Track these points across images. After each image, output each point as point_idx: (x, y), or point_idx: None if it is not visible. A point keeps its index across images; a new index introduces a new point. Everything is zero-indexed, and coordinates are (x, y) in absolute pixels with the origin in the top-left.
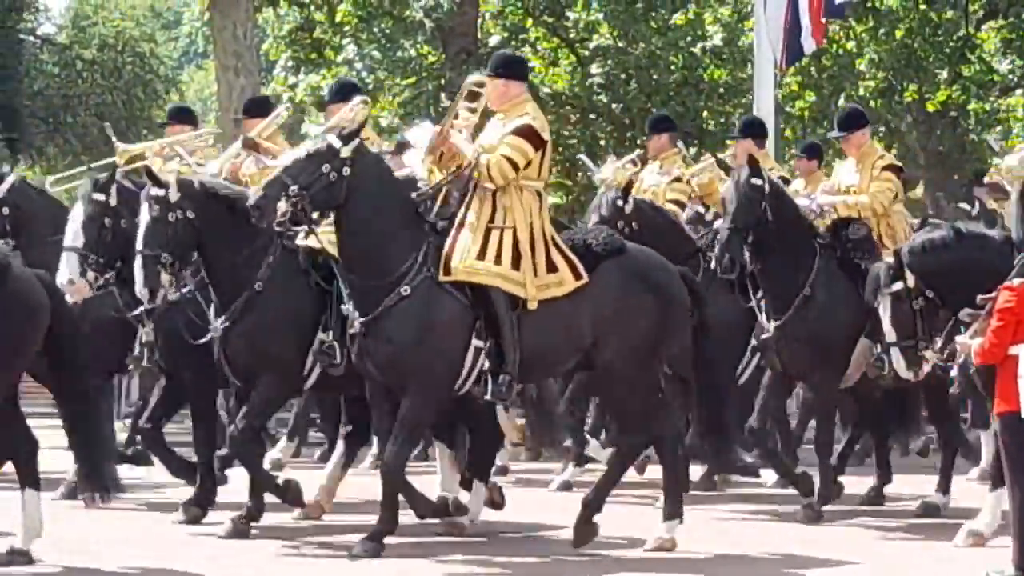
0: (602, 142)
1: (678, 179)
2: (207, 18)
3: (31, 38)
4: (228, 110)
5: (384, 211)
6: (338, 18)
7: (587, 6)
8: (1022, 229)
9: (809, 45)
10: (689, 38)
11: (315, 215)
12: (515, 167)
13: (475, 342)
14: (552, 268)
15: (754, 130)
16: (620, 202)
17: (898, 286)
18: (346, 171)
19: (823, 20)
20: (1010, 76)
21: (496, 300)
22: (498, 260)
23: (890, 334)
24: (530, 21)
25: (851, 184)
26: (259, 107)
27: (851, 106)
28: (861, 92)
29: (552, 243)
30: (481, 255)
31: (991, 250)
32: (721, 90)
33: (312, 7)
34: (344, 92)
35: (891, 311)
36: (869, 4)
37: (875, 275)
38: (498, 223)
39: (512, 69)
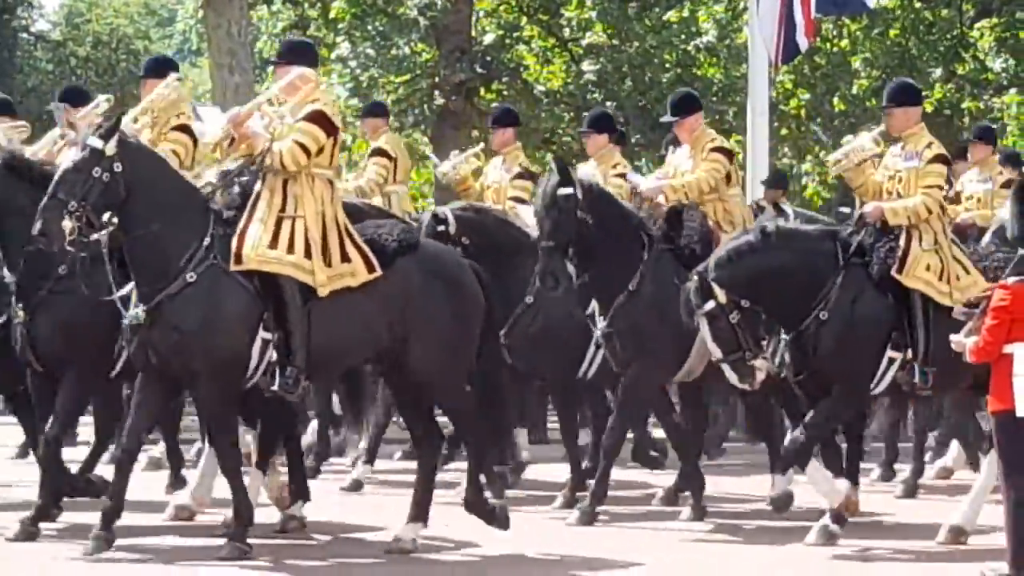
0: None
1: (521, 175)
2: (201, 16)
3: (25, 35)
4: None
5: (162, 199)
6: (332, 15)
7: (581, 4)
8: (1018, 226)
9: (803, 43)
10: (683, 36)
11: (105, 217)
12: (307, 153)
13: (263, 334)
14: (345, 258)
15: (601, 124)
16: (440, 227)
17: (710, 305)
18: (117, 167)
19: (813, 17)
20: (1004, 75)
21: (286, 290)
22: (290, 249)
23: (715, 351)
24: (524, 19)
25: (685, 170)
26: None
27: (684, 91)
28: (855, 90)
29: (346, 233)
30: (273, 244)
31: (804, 246)
32: (715, 88)
33: (306, 5)
34: (159, 68)
35: (710, 330)
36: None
37: (686, 296)
38: (289, 212)
39: (300, 55)
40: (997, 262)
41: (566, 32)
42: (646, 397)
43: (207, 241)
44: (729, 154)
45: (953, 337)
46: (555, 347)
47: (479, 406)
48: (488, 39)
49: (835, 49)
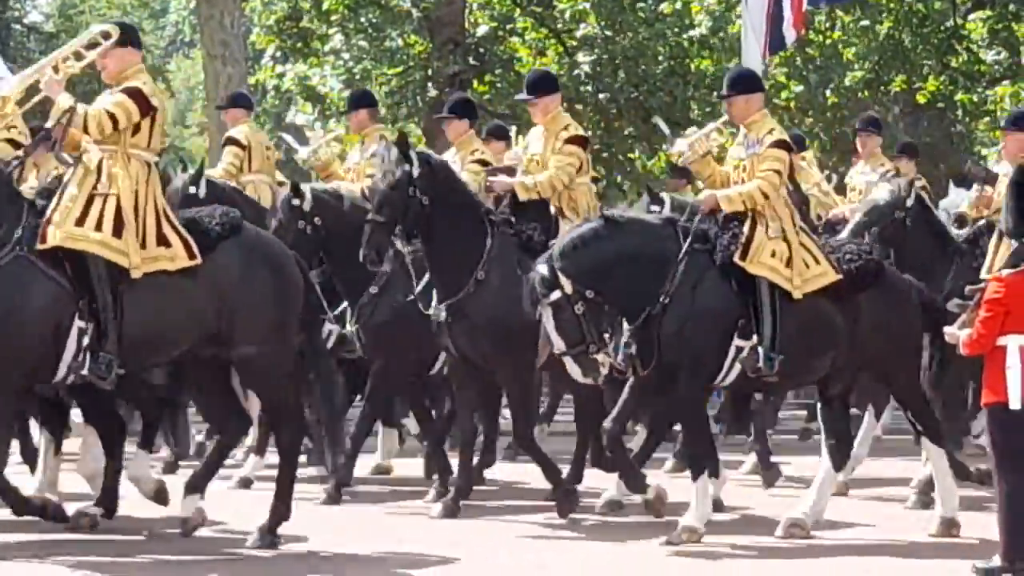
0: (589, 132)
1: (478, 162)
2: (194, 7)
3: (18, 26)
4: (215, 99)
5: None
6: (325, 7)
7: None
8: (1011, 219)
9: (790, 35)
10: (676, 28)
11: None
12: (115, 122)
13: (78, 323)
14: (163, 241)
15: (461, 110)
16: (296, 200)
17: (556, 295)
18: None
19: (805, 8)
20: (997, 67)
21: (94, 269)
22: (99, 227)
23: (558, 344)
24: (517, 11)
25: (535, 152)
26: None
27: (542, 70)
28: (848, 83)
29: (164, 217)
30: (80, 222)
31: (646, 233)
32: (708, 80)
33: None
34: None
35: (554, 321)
36: None
37: (531, 285)
38: (101, 190)
39: (128, 37)
40: (850, 254)
41: (559, 24)
42: (528, 387)
43: (17, 234)
44: (584, 142)
45: (947, 329)
46: (399, 338)
47: (300, 396)
48: (481, 31)
49: (827, 41)
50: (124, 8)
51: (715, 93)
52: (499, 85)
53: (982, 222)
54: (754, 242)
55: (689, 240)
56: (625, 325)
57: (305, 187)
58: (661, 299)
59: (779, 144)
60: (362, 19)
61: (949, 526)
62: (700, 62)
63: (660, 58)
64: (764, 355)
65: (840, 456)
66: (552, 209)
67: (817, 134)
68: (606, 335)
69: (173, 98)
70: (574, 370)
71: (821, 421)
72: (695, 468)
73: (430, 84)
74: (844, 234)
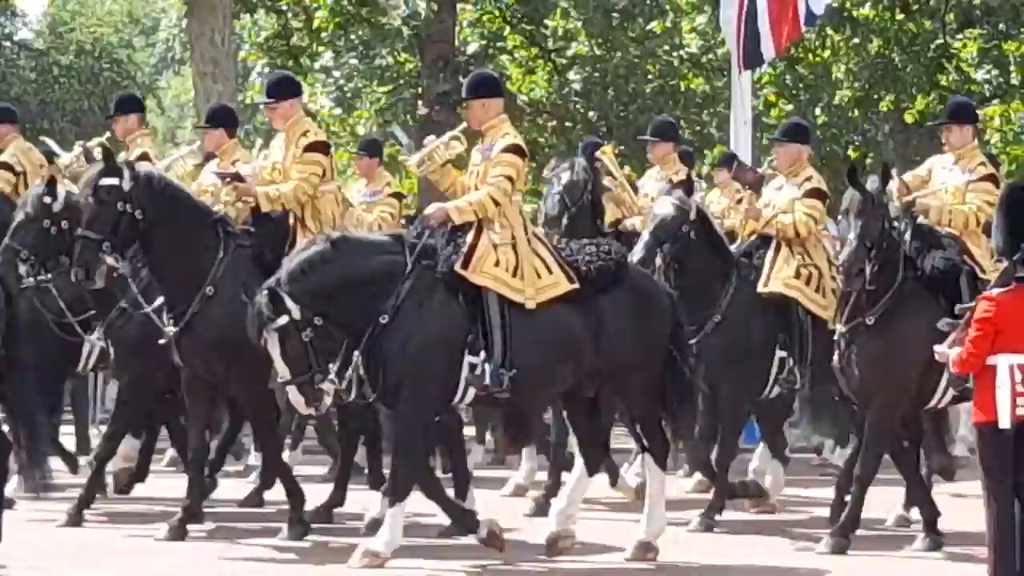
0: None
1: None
2: (184, 24)
3: (8, 43)
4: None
5: None
6: (315, 25)
7: (565, 15)
8: (1001, 237)
9: (768, 52)
10: (666, 47)
11: None
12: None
13: None
14: None
15: (219, 118)
16: (47, 198)
17: (282, 320)
18: None
19: (803, 28)
20: (987, 86)
21: None
22: None
23: (283, 372)
24: (508, 29)
25: (277, 160)
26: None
27: (285, 74)
28: (837, 101)
29: None
30: None
31: (373, 253)
32: (698, 99)
33: (289, 14)
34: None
35: (280, 348)
36: (845, 13)
37: (256, 310)
38: None
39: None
40: (590, 256)
41: (550, 42)
42: (263, 405)
43: None
44: (326, 148)
45: (937, 348)
46: (148, 352)
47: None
48: (471, 49)
49: (817, 60)
50: (115, 25)
51: (704, 112)
52: None
53: (753, 238)
54: (478, 250)
55: (415, 255)
56: (354, 351)
57: (61, 188)
58: (381, 319)
59: (512, 149)
60: (352, 37)
61: (646, 550)
62: (690, 81)
63: (650, 77)
64: (492, 371)
65: (594, 459)
66: (291, 220)
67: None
68: (330, 364)
69: (163, 115)
70: (297, 400)
71: (570, 427)
72: (395, 493)
73: (420, 102)
74: (636, 254)
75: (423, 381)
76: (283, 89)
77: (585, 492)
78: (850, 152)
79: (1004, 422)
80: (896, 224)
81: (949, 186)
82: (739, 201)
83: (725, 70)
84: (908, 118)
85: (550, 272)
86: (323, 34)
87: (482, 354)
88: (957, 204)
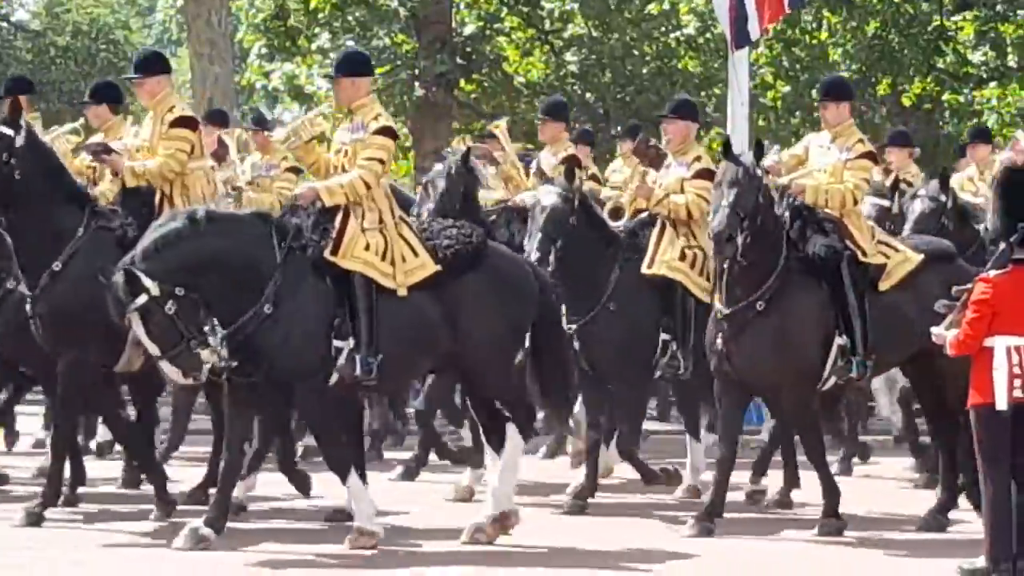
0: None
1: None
2: (181, 5)
3: (4, 24)
4: (202, 97)
5: None
6: (312, 6)
7: None
8: (997, 220)
9: (755, 31)
10: (663, 28)
11: None
12: None
13: None
14: None
15: (102, 94)
16: None
17: (142, 299)
18: None
19: (787, 8)
20: (984, 68)
21: None
22: None
23: (153, 349)
24: (504, 10)
25: (145, 138)
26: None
27: (148, 50)
28: None
29: None
30: None
31: (236, 231)
32: (695, 80)
33: None
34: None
35: (145, 326)
36: None
37: (115, 292)
38: None
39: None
40: (448, 239)
41: (547, 24)
42: (81, 388)
43: None
44: (193, 124)
45: (934, 330)
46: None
47: None
48: (468, 30)
49: (814, 42)
50: (111, 6)
51: (703, 93)
52: (486, 85)
53: (645, 215)
54: (347, 235)
55: (288, 238)
56: (218, 328)
57: None
58: (262, 304)
59: (384, 131)
60: (349, 18)
61: (504, 519)
62: (687, 62)
63: (647, 58)
64: (361, 359)
65: (497, 438)
66: (157, 197)
67: (803, 134)
68: (206, 328)
69: None
70: (172, 372)
71: (473, 413)
72: (342, 472)
73: (417, 83)
74: (532, 255)
75: (300, 367)
76: (151, 66)
77: (517, 468)
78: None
79: (1001, 404)
80: (774, 201)
81: (827, 165)
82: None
83: (722, 51)
84: (905, 101)
85: (416, 255)
86: (320, 15)
87: (350, 340)
88: (834, 183)
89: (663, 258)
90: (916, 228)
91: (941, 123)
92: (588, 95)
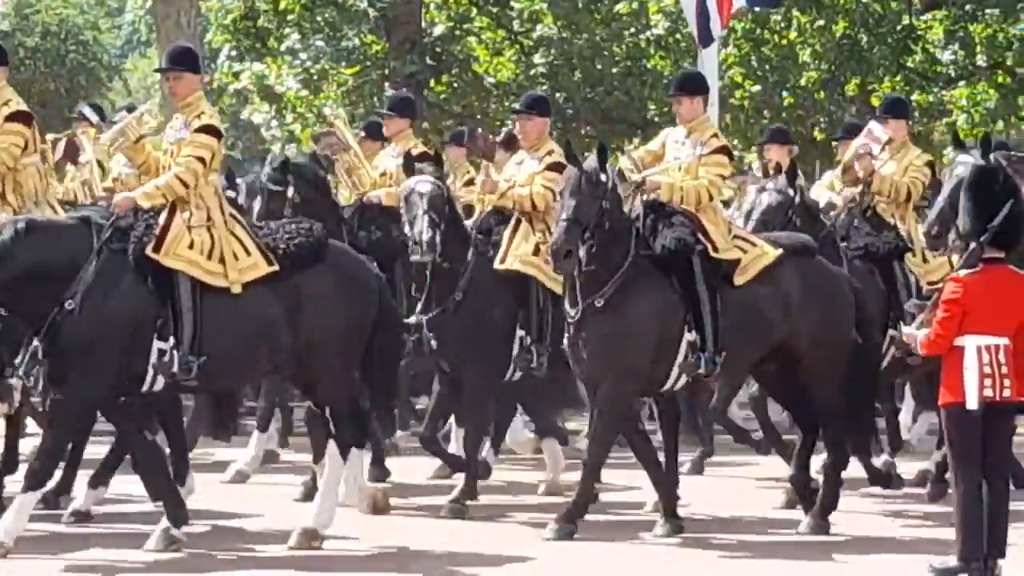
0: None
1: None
2: (150, 6)
3: None
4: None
5: None
6: (282, 6)
7: None
8: (968, 219)
9: (716, 30)
10: (633, 28)
11: None
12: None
13: None
14: None
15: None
16: None
17: None
18: None
19: (735, 9)
20: (953, 67)
21: None
22: None
23: None
24: (474, 11)
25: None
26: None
27: None
28: (804, 83)
29: None
30: None
31: (56, 238)
32: (665, 80)
33: None
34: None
35: None
36: None
37: None
38: None
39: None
40: (289, 234)
41: (516, 24)
42: None
43: None
44: (28, 118)
45: (904, 329)
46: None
47: None
48: (438, 31)
49: (784, 42)
50: (81, 7)
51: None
52: (456, 85)
53: (488, 209)
54: (171, 232)
55: (104, 239)
56: (34, 340)
57: None
58: (66, 304)
59: (206, 130)
60: (319, 18)
61: (311, 537)
62: (657, 62)
63: (617, 58)
64: (180, 358)
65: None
66: None
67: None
68: (17, 359)
69: (130, 97)
70: None
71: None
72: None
73: (387, 84)
74: (422, 232)
75: (101, 368)
76: None
77: (336, 493)
78: (816, 134)
79: (972, 403)
80: (621, 201)
81: (682, 162)
82: (469, 183)
83: (692, 51)
84: (875, 100)
85: (248, 254)
86: (290, 16)
87: (171, 340)
88: (689, 180)
89: (516, 252)
90: (762, 220)
91: (910, 122)
92: (557, 95)
